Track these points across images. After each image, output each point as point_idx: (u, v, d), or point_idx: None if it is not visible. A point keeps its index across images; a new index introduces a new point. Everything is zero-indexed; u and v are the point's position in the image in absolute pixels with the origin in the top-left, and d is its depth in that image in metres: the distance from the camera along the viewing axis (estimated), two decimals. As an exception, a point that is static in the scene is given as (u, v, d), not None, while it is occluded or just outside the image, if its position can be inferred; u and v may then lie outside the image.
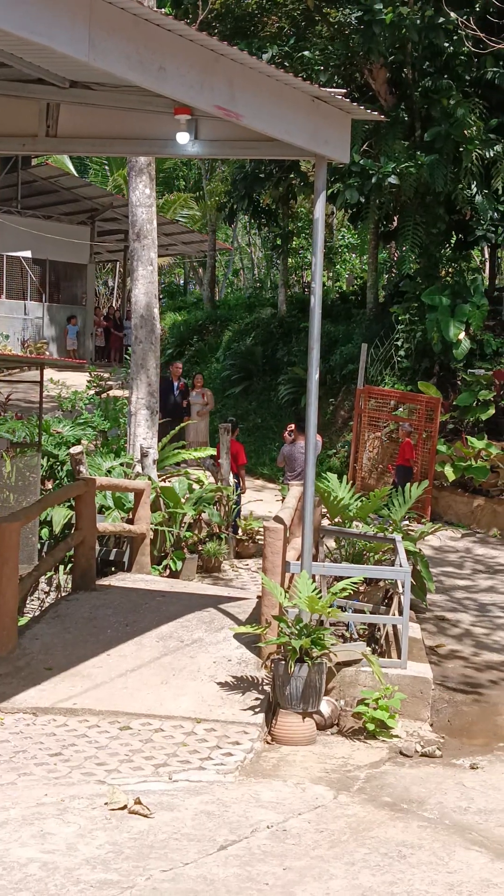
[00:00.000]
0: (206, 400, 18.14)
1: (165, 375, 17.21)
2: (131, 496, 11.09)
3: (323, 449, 18.63)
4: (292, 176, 22.76)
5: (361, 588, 9.21)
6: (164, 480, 12.55)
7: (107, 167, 36.93)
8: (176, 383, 17.48)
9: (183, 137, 7.76)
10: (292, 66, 18.31)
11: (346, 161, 7.76)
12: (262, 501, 15.27)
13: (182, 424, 14.77)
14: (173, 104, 7.35)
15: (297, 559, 8.05)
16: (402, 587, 7.97)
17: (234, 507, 12.93)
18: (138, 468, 12.11)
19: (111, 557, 11.03)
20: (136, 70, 5.61)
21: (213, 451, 13.88)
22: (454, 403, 17.33)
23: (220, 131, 7.88)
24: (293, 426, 13.86)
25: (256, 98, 6.60)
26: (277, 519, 7.93)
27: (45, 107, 8.18)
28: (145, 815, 5.34)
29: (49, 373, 19.92)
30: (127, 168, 13.32)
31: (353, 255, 33.99)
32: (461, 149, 17.64)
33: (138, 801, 5.43)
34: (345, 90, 7.54)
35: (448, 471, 15.98)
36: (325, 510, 10.43)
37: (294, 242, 28.32)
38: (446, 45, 17.60)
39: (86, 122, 8.28)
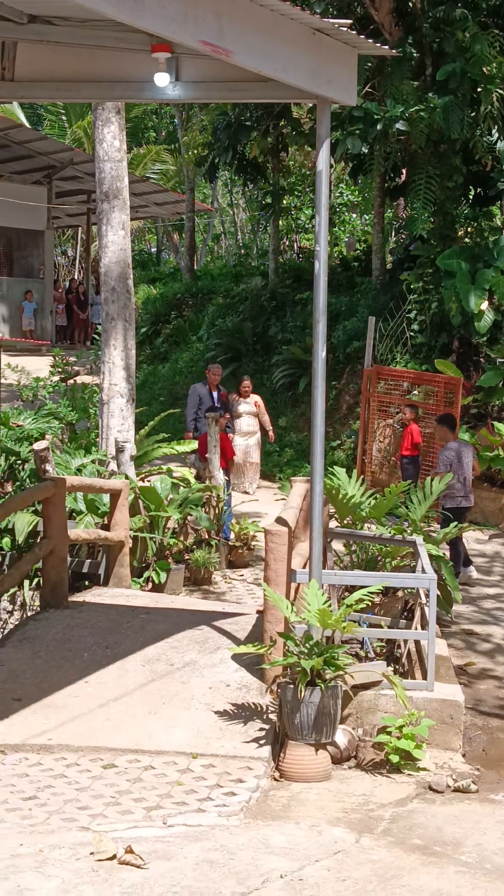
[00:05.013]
0: (258, 410, 16.89)
1: (199, 382, 15.72)
2: (106, 498, 11.10)
3: (327, 440, 18.66)
4: (283, 123, 22.75)
5: (377, 599, 9.23)
6: (143, 479, 12.56)
7: (64, 118, 36.89)
8: (215, 393, 15.30)
9: (162, 79, 7.75)
10: (282, -6, 18.28)
11: (353, 103, 7.77)
12: (257, 501, 15.30)
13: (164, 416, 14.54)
14: (151, 40, 7.34)
15: (304, 567, 8.07)
16: (427, 597, 8.00)
17: (224, 508, 12.94)
18: (113, 465, 12.11)
19: (84, 569, 11.02)
20: (107, -1, 5.58)
21: (195, 445, 13.89)
22: (477, 384, 17.37)
23: (206, 71, 7.88)
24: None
25: (248, 31, 6.59)
26: (280, 521, 7.95)
27: (-1, 46, 8.16)
28: (138, 866, 5.36)
29: (3, 358, 19.89)
30: (92, 117, 13.32)
31: (354, 216, 34.01)
32: (479, 89, 17.62)
33: (129, 850, 5.45)
34: (349, 21, 7.55)
35: (472, 462, 15.99)
36: (332, 510, 10.45)
37: (285, 201, 28.33)
38: (460, -33, 17.60)
39: (48, 62, 8.25)
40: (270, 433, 17.12)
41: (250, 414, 16.78)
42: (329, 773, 6.97)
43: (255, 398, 17.00)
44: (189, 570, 11.92)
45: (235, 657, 8.15)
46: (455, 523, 11.34)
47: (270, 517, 10.87)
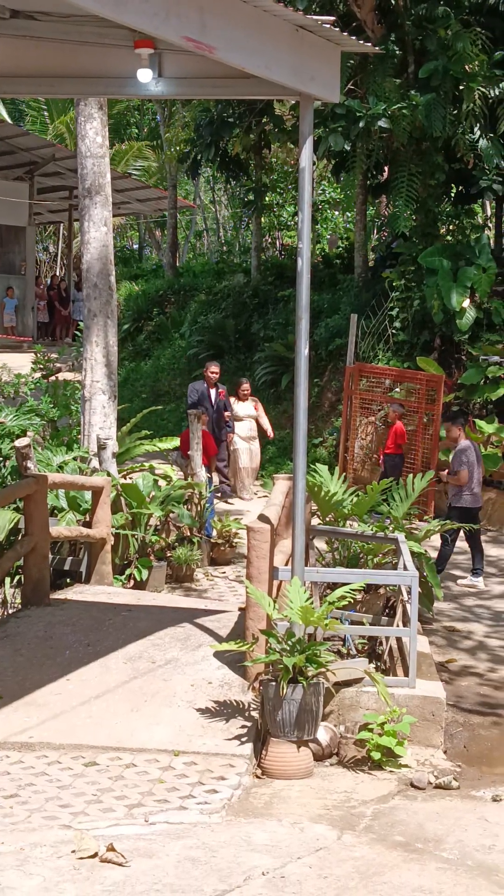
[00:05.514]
0: (258, 412, 16.77)
1: (197, 379, 15.30)
2: (88, 495, 11.07)
3: (309, 437, 18.67)
4: (265, 120, 22.75)
5: (359, 596, 9.25)
6: (125, 477, 12.54)
7: (46, 113, 36.75)
8: (214, 391, 15.15)
9: (145, 75, 7.73)
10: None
11: (336, 100, 7.78)
12: (239, 499, 15.30)
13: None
14: (133, 36, 7.32)
15: (286, 564, 8.07)
16: (409, 594, 8.01)
17: (206, 506, 12.93)
18: (95, 462, 12.09)
19: (66, 567, 11.00)
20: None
21: (177, 442, 13.89)
22: (459, 382, 17.42)
23: (189, 67, 7.86)
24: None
25: (231, 27, 6.58)
26: (263, 518, 7.94)
27: (-20, 41, 8.11)
28: (120, 864, 5.35)
29: (-15, 354, 19.90)
30: (74, 113, 13.29)
31: (336, 213, 34.06)
32: (461, 86, 17.67)
33: (111, 848, 5.44)
34: (333, 18, 7.55)
35: (453, 460, 16.04)
36: (314, 507, 10.46)
37: (267, 198, 28.34)
38: (442, -35, 17.62)
39: (30, 58, 8.21)
40: (269, 432, 16.97)
41: (251, 417, 16.64)
42: (311, 770, 6.96)
43: (255, 401, 16.90)
44: (171, 567, 11.91)
45: (217, 654, 8.15)
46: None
47: (253, 514, 10.90)
